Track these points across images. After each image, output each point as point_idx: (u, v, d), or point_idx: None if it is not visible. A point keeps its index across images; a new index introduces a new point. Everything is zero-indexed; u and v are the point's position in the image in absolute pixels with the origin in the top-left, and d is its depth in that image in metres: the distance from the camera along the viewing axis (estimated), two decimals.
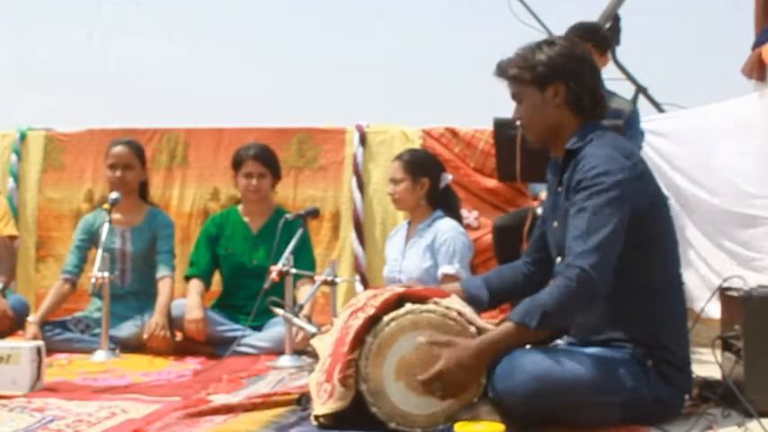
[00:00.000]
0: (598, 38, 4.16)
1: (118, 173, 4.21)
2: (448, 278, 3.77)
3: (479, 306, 2.66)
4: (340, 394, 2.32)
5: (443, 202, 4.00)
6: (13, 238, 4.48)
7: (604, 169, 2.36)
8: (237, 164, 4.26)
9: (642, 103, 5.13)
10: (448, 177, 4.05)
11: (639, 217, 2.38)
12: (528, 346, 2.48)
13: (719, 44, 6.95)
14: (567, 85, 2.52)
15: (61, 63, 8.10)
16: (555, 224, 2.59)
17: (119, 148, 4.25)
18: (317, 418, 2.38)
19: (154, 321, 3.93)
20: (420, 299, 2.40)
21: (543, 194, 4.18)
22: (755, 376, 2.52)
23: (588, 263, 2.28)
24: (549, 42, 2.57)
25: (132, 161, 4.25)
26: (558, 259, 2.57)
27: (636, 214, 2.37)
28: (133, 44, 8.04)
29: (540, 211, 3.88)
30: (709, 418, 2.44)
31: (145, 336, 3.92)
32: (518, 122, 2.63)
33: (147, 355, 3.90)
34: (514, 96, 2.62)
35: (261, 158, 4.23)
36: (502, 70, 2.62)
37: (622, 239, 2.34)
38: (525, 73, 2.54)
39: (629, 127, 3.96)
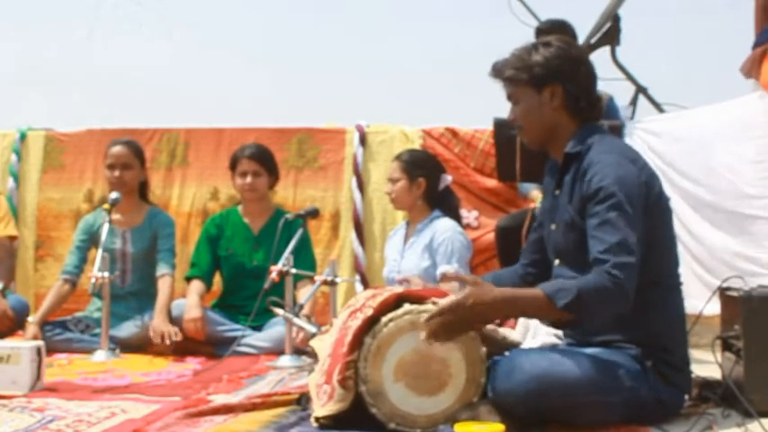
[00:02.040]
0: (572, 31, 4.24)
1: (116, 173, 4.21)
2: (447, 278, 3.76)
3: None
4: (339, 396, 2.32)
5: (442, 202, 4.00)
6: (12, 238, 4.48)
7: (617, 178, 2.35)
8: (233, 164, 4.27)
9: (642, 103, 5.13)
10: (448, 179, 4.04)
11: (643, 219, 2.37)
12: (526, 346, 2.48)
13: (719, 44, 6.95)
14: (564, 87, 2.51)
15: (61, 63, 8.09)
16: (553, 227, 2.58)
17: (117, 148, 4.25)
18: (317, 419, 2.38)
19: (156, 323, 3.92)
20: (418, 299, 2.40)
21: (533, 193, 4.22)
22: (755, 376, 2.52)
23: (624, 276, 2.25)
24: (545, 43, 2.56)
25: (131, 161, 4.25)
26: (557, 261, 2.57)
27: (644, 217, 2.37)
28: (133, 44, 8.04)
29: (537, 205, 3.90)
30: (709, 418, 2.44)
31: (156, 339, 3.88)
32: (517, 121, 2.60)
33: (147, 355, 3.91)
34: (510, 97, 2.60)
35: (255, 157, 4.23)
36: (497, 71, 2.59)
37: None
38: (521, 74, 2.53)
39: (607, 116, 4.01)
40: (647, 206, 2.39)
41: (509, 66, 2.56)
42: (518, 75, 2.54)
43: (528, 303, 2.32)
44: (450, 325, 2.26)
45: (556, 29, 4.22)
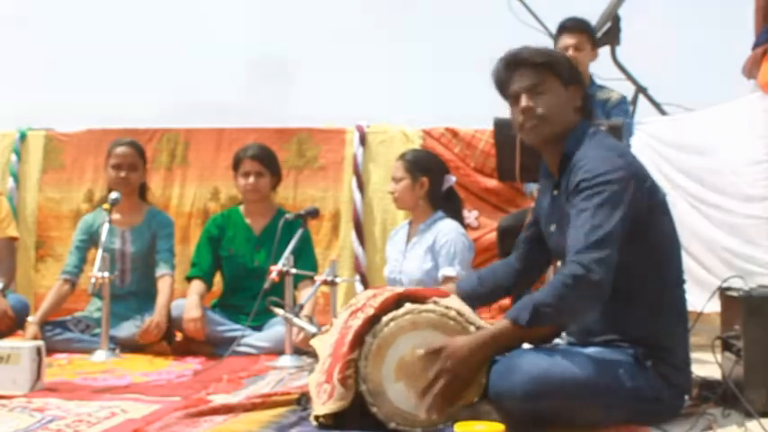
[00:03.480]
0: (593, 32, 4.38)
1: (123, 173, 4.21)
2: (448, 280, 3.76)
3: (475, 301, 2.66)
4: (340, 394, 2.32)
5: (445, 203, 3.99)
6: (14, 239, 4.48)
7: (602, 170, 2.36)
8: (236, 164, 4.27)
9: (642, 103, 5.13)
10: (451, 180, 4.03)
11: (639, 216, 2.37)
12: (527, 345, 2.47)
13: (720, 44, 6.95)
14: (582, 89, 2.56)
15: (61, 63, 8.10)
16: (552, 228, 2.59)
17: (123, 149, 4.25)
18: (316, 418, 2.38)
19: (150, 319, 3.94)
20: (419, 299, 2.40)
21: (536, 193, 4.21)
22: (755, 376, 2.52)
23: (588, 259, 2.25)
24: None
25: (137, 161, 4.27)
26: (559, 263, 2.57)
27: (636, 213, 2.36)
28: (133, 44, 8.05)
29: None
30: (709, 418, 2.44)
31: (140, 332, 3.92)
32: (537, 111, 2.48)
33: (147, 355, 3.91)
34: (534, 86, 2.48)
35: (258, 158, 4.23)
36: (527, 55, 2.50)
37: (622, 236, 2.32)
38: (557, 67, 2.50)
39: (613, 111, 4.04)
40: (638, 203, 2.37)
41: (541, 54, 2.51)
42: (555, 65, 2.49)
43: (503, 337, 2.31)
44: (449, 386, 2.26)
45: (579, 28, 4.27)
